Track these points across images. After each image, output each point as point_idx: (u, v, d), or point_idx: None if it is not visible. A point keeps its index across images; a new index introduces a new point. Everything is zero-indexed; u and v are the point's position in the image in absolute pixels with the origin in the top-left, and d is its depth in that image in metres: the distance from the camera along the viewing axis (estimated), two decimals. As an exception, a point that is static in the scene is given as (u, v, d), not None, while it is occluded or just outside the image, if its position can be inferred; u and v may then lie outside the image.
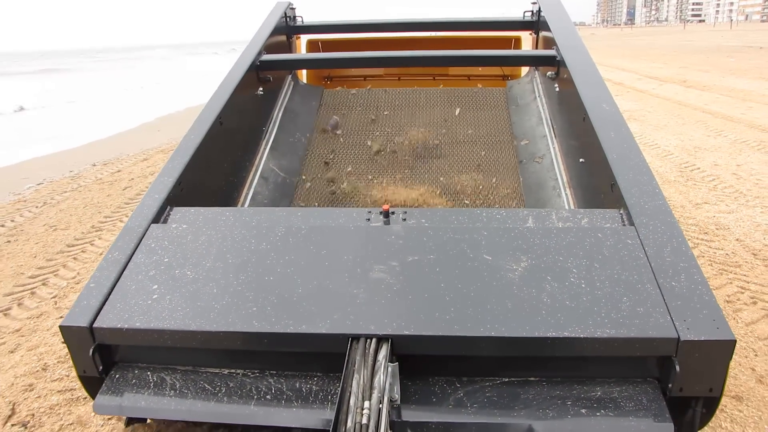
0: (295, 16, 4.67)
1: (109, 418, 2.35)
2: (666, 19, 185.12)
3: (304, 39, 5.02)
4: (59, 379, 2.72)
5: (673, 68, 18.65)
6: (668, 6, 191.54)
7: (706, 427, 1.88)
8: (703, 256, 3.97)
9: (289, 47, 4.69)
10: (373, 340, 1.72)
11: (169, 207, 2.38)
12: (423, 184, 3.56)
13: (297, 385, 1.84)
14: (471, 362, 1.81)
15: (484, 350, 1.73)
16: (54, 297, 3.74)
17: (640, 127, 8.96)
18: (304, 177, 3.70)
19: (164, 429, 2.22)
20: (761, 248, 4.11)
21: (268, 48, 3.94)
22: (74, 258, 4.45)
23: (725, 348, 1.63)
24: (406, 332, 1.72)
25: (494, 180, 3.55)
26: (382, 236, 2.10)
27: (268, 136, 3.75)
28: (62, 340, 1.90)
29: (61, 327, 1.85)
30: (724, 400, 2.25)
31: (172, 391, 1.85)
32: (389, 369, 1.66)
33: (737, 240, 4.28)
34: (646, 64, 20.91)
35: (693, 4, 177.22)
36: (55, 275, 4.14)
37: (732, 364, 1.89)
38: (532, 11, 4.49)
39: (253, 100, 3.69)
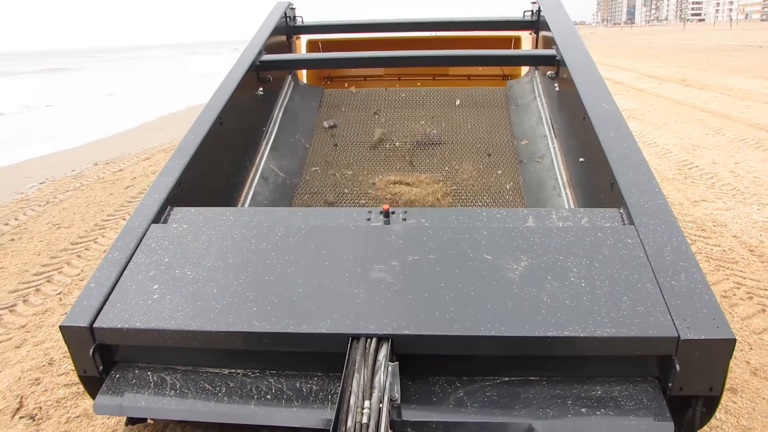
0: (295, 16, 4.67)
1: (113, 413, 2.37)
2: (666, 19, 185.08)
3: (304, 39, 5.02)
4: (65, 373, 2.76)
5: (672, 67, 18.65)
6: (668, 5, 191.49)
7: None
8: (701, 253, 4.00)
9: (289, 47, 4.69)
10: (374, 339, 1.72)
11: (169, 207, 2.38)
12: (423, 175, 3.57)
13: (297, 384, 1.84)
14: (471, 362, 1.81)
15: (484, 350, 1.73)
16: (59, 294, 3.79)
17: (639, 125, 8.98)
18: (304, 173, 3.70)
19: (164, 429, 2.23)
20: (758, 245, 4.14)
21: (268, 48, 3.94)
22: (78, 256, 4.49)
23: (725, 347, 1.63)
24: (407, 332, 1.72)
25: (494, 175, 3.55)
26: (383, 236, 2.10)
27: (268, 136, 3.75)
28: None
29: (61, 327, 1.85)
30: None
31: (173, 391, 1.85)
32: (389, 368, 1.66)
33: (734, 237, 4.32)
34: (646, 63, 20.91)
35: (693, 3, 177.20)
36: (59, 272, 4.17)
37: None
38: (532, 11, 4.49)
39: (253, 100, 3.69)
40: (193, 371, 1.92)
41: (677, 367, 1.64)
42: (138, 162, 8.13)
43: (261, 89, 3.76)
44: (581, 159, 2.92)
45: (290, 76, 4.40)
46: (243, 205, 3.18)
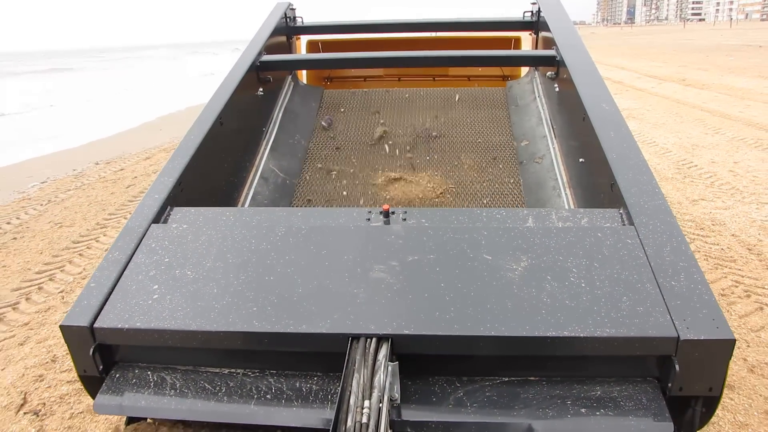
0: (295, 17, 4.67)
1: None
2: (666, 18, 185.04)
3: (304, 39, 5.02)
4: (68, 370, 2.78)
5: (672, 67, 18.66)
6: (668, 5, 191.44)
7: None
8: (699, 251, 4.02)
9: (289, 48, 4.69)
10: (373, 339, 1.72)
11: (169, 207, 2.38)
12: (423, 173, 3.58)
13: (297, 384, 1.84)
14: (471, 362, 1.82)
15: (484, 350, 1.73)
16: (61, 292, 3.81)
17: (638, 125, 9.00)
18: (304, 173, 3.70)
19: (164, 428, 2.23)
20: (756, 243, 4.17)
21: (268, 48, 3.94)
22: (80, 254, 4.51)
23: (725, 347, 1.63)
24: (406, 332, 1.72)
25: (494, 176, 3.55)
26: (382, 236, 2.11)
27: (268, 137, 3.75)
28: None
29: (61, 327, 1.85)
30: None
31: (173, 391, 1.86)
32: (389, 368, 1.66)
33: (733, 235, 4.34)
34: (646, 63, 20.92)
35: (693, 2, 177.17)
36: (61, 271, 4.20)
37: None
38: (532, 11, 4.49)
39: (253, 100, 3.69)
40: (193, 371, 1.92)
41: (677, 367, 1.64)
42: (139, 161, 8.15)
43: (261, 89, 3.76)
44: (581, 159, 2.92)
45: (290, 77, 4.40)
46: (243, 206, 3.18)
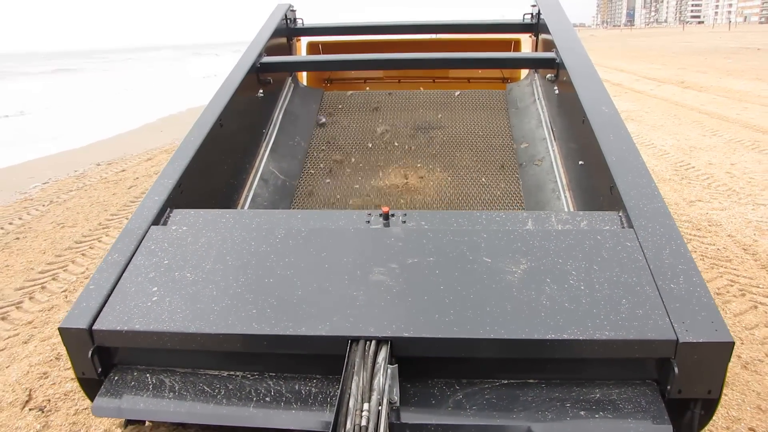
0: (295, 18, 4.68)
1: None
2: (665, 21, 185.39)
3: (304, 41, 5.03)
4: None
5: (671, 69, 18.71)
6: (667, 7, 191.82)
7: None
8: (696, 251, 4.07)
9: (289, 49, 4.70)
10: (373, 342, 1.72)
11: (169, 209, 2.38)
12: (423, 172, 3.59)
13: (296, 387, 1.84)
14: (470, 364, 1.81)
15: (483, 352, 1.73)
16: (64, 291, 3.84)
17: (637, 127, 9.03)
18: (303, 175, 3.70)
19: (163, 431, 2.23)
20: (751, 243, 4.21)
21: (269, 50, 3.94)
22: (82, 254, 4.53)
23: (724, 350, 1.63)
24: (406, 334, 1.72)
25: (494, 178, 3.55)
26: (382, 238, 2.11)
27: (268, 139, 3.75)
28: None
29: (60, 329, 1.85)
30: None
31: (171, 393, 1.85)
32: (388, 371, 1.66)
33: (729, 236, 4.39)
34: (645, 65, 20.96)
35: (692, 5, 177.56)
36: (64, 270, 4.23)
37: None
38: (532, 14, 4.50)
39: (253, 102, 3.69)
40: (192, 373, 1.92)
41: (676, 369, 1.64)
42: (140, 162, 8.17)
43: (261, 91, 3.76)
44: (580, 162, 2.92)
45: (290, 78, 4.41)
46: (243, 207, 3.18)
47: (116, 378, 1.92)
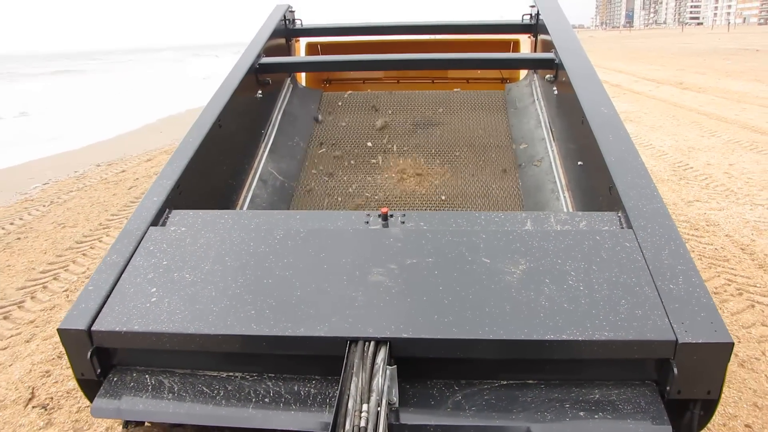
0: (294, 19, 4.67)
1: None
2: (664, 22, 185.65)
3: (303, 42, 5.03)
4: (75, 366, 2.85)
5: (670, 70, 18.74)
6: (666, 9, 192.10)
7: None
8: (693, 251, 4.10)
9: (288, 50, 4.69)
10: (372, 343, 1.72)
11: (167, 210, 2.38)
12: (422, 169, 3.60)
13: (295, 388, 1.83)
14: (469, 365, 1.81)
15: (482, 353, 1.73)
16: (65, 291, 3.87)
17: (635, 127, 9.04)
18: (302, 176, 3.70)
19: (162, 432, 2.23)
20: (749, 243, 4.24)
21: (268, 51, 3.94)
22: (83, 254, 4.55)
23: (723, 350, 1.63)
24: (405, 335, 1.72)
25: (493, 178, 3.55)
26: (381, 239, 2.10)
27: (267, 139, 3.75)
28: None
29: (59, 330, 1.85)
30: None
31: (170, 394, 1.85)
32: (387, 372, 1.66)
33: (726, 236, 4.42)
34: (644, 67, 21.00)
35: (691, 6, 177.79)
36: (65, 270, 4.25)
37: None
38: (531, 14, 4.50)
39: (252, 103, 3.69)
40: (191, 374, 1.91)
41: (675, 370, 1.64)
42: (140, 163, 8.19)
43: (260, 92, 3.76)
44: (580, 162, 2.93)
45: (289, 79, 4.40)
46: (241, 208, 3.17)
47: (115, 379, 1.92)
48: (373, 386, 1.63)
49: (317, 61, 4.57)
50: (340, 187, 3.62)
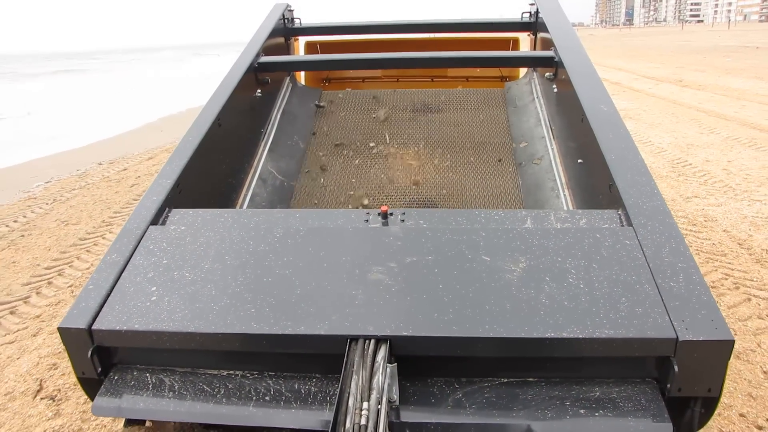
0: (293, 18, 4.67)
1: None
2: (664, 20, 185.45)
3: (302, 41, 5.02)
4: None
5: (669, 68, 18.73)
6: (667, 6, 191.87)
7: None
8: (691, 246, 4.14)
9: (287, 49, 4.69)
10: (372, 341, 1.72)
11: (167, 209, 2.38)
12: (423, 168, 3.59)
13: (296, 386, 1.83)
14: (470, 363, 1.81)
15: (482, 351, 1.73)
16: (70, 286, 3.92)
17: (635, 125, 9.05)
18: (302, 174, 3.70)
19: (163, 431, 2.23)
20: (746, 238, 4.28)
21: (267, 50, 3.94)
22: (87, 251, 4.60)
23: (724, 348, 1.63)
24: (405, 333, 1.72)
25: (493, 176, 3.55)
26: (381, 237, 2.10)
27: (266, 138, 3.75)
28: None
29: (59, 329, 1.85)
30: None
31: (171, 393, 1.85)
32: (388, 370, 1.66)
33: (724, 231, 4.46)
34: (643, 64, 20.99)
35: (691, 4, 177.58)
36: (69, 266, 4.30)
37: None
38: (530, 12, 4.50)
39: (251, 101, 3.68)
40: (192, 373, 1.92)
41: (676, 368, 1.64)
42: (142, 161, 8.22)
43: (259, 91, 3.76)
44: (580, 160, 2.92)
45: (288, 78, 4.40)
46: (241, 207, 3.17)
47: (116, 377, 1.92)
48: (373, 384, 1.63)
49: (316, 60, 4.57)
50: (340, 186, 3.62)
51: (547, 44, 3.92)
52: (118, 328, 1.82)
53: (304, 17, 4.77)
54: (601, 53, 28.61)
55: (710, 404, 1.74)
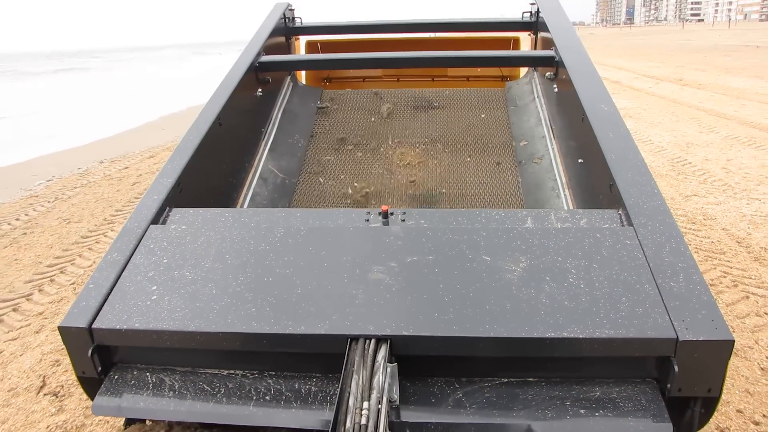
0: (294, 17, 4.67)
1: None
2: (665, 19, 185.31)
3: (303, 40, 5.02)
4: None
5: (670, 67, 18.73)
6: (667, 5, 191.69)
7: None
8: (690, 244, 4.16)
9: (288, 48, 4.69)
10: (372, 340, 1.72)
11: (168, 208, 2.38)
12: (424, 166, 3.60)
13: (296, 385, 1.84)
14: (470, 363, 1.81)
15: (483, 351, 1.73)
16: (72, 284, 3.93)
17: (635, 124, 9.06)
18: (303, 173, 3.70)
19: (163, 430, 2.23)
20: (745, 236, 4.30)
21: (267, 49, 3.94)
22: (89, 248, 4.61)
23: (724, 348, 1.63)
24: (405, 333, 1.72)
25: (493, 176, 3.55)
26: (381, 237, 2.10)
27: (267, 137, 3.74)
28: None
29: (59, 328, 1.85)
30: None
31: (171, 392, 1.85)
32: (388, 369, 1.66)
33: (723, 229, 4.48)
34: (644, 63, 20.99)
35: (692, 3, 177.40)
36: (71, 264, 4.32)
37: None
38: (531, 12, 4.49)
39: (252, 101, 3.68)
40: (192, 372, 1.92)
41: (676, 368, 1.64)
42: (143, 160, 8.23)
43: (260, 90, 3.76)
44: (580, 160, 2.92)
45: (289, 77, 4.40)
46: (242, 206, 3.17)
47: (116, 377, 1.92)
48: (373, 384, 1.63)
49: (317, 59, 4.56)
50: (340, 185, 3.62)
51: (548, 44, 3.91)
52: (118, 327, 1.82)
53: (305, 17, 4.77)
54: (602, 52, 28.59)
55: (710, 404, 1.74)
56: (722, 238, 4.27)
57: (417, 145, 3.89)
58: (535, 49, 4.56)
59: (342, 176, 3.68)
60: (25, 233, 5.07)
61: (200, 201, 2.62)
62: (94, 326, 1.83)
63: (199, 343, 1.80)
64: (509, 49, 4.94)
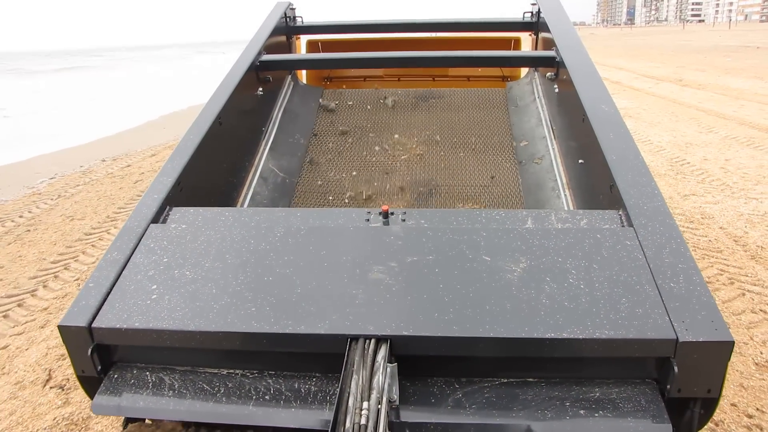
0: (295, 17, 4.67)
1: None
2: (666, 19, 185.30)
3: (304, 39, 5.02)
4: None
5: (670, 67, 18.75)
6: (668, 6, 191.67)
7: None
8: (688, 243, 4.19)
9: (288, 47, 4.69)
10: (372, 340, 1.72)
11: (168, 207, 2.37)
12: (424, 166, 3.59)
13: (296, 385, 1.84)
14: (470, 363, 1.81)
15: (483, 351, 1.73)
16: (76, 280, 3.99)
17: (634, 123, 9.08)
18: (303, 173, 3.70)
19: (163, 429, 2.24)
20: (742, 235, 4.35)
21: (268, 48, 3.94)
22: (92, 245, 4.64)
23: (724, 349, 1.63)
24: (405, 333, 1.72)
25: (494, 176, 3.55)
26: (382, 237, 2.10)
27: (267, 137, 3.74)
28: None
29: (59, 327, 1.85)
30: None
31: (171, 392, 1.85)
32: (388, 370, 1.66)
33: (720, 228, 4.54)
34: (644, 64, 21.01)
35: (692, 4, 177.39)
36: (75, 260, 4.38)
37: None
38: (532, 12, 4.49)
39: (252, 100, 3.68)
40: (192, 371, 1.92)
41: (675, 369, 1.64)
42: (145, 158, 8.26)
43: (260, 89, 3.75)
44: (580, 161, 2.92)
45: (290, 77, 4.40)
46: (242, 206, 3.17)
47: (116, 376, 1.92)
48: (373, 384, 1.63)
49: (318, 59, 4.56)
50: (341, 185, 3.62)
51: (549, 44, 3.91)
52: (118, 326, 1.82)
53: (306, 16, 4.77)
54: (603, 52, 28.61)
55: (710, 405, 1.74)
56: (720, 237, 4.31)
57: (417, 145, 3.89)
58: (536, 49, 4.56)
59: (343, 176, 3.68)
60: (28, 230, 5.10)
61: (200, 200, 2.62)
62: (93, 325, 1.83)
63: (198, 342, 1.80)
64: (510, 49, 4.93)
